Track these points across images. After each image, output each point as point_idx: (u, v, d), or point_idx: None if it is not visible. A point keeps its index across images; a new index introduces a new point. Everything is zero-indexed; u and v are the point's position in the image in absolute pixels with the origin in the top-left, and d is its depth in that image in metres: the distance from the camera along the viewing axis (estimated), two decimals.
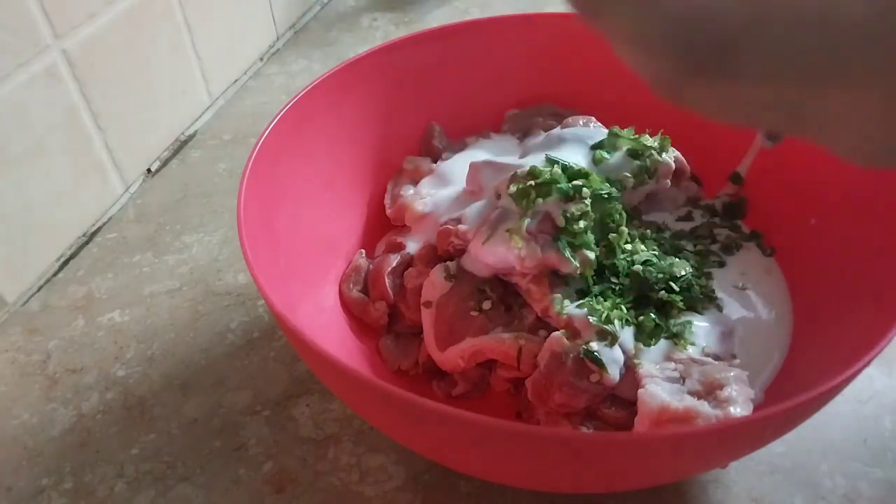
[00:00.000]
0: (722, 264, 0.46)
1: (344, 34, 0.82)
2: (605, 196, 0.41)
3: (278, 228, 0.43)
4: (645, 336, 0.39)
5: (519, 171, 0.42)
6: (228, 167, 0.64)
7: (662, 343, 0.39)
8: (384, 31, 0.82)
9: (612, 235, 0.41)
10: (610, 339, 0.38)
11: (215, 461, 0.42)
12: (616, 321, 0.38)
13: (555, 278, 0.40)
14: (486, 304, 0.42)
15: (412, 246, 0.47)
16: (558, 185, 0.40)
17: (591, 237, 0.40)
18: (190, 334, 0.50)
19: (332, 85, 0.48)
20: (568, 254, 0.39)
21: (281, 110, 0.45)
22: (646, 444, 0.30)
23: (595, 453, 0.30)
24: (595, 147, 0.44)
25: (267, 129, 0.43)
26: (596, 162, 0.44)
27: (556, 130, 0.47)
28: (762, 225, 0.49)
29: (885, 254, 0.39)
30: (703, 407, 0.34)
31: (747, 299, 0.44)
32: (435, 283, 0.43)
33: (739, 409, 0.34)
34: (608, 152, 0.44)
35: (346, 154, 0.50)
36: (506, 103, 0.56)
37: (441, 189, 0.49)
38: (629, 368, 0.38)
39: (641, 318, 0.39)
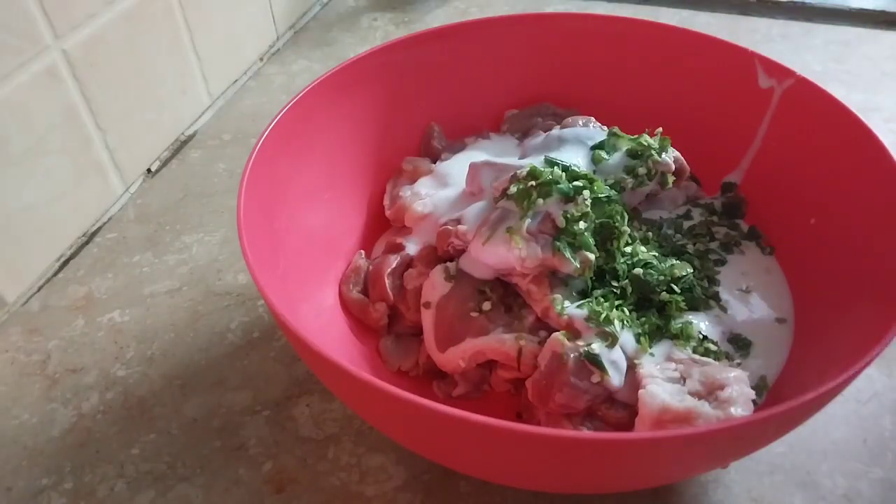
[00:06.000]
0: (722, 262, 0.46)
1: (344, 34, 0.81)
2: (606, 199, 0.41)
3: (278, 228, 0.43)
4: (646, 337, 0.39)
5: (519, 171, 0.42)
6: (228, 167, 0.64)
7: (663, 343, 0.39)
8: (384, 31, 0.82)
9: (611, 243, 0.41)
10: (610, 340, 0.38)
11: (215, 461, 0.42)
12: (616, 322, 0.38)
13: (555, 279, 0.40)
14: (487, 305, 0.42)
15: (412, 247, 0.47)
16: (559, 186, 0.40)
17: (590, 238, 0.40)
18: (190, 334, 0.50)
19: (332, 85, 0.48)
20: (568, 254, 0.39)
21: (281, 110, 0.45)
22: (646, 445, 0.30)
23: (595, 454, 0.30)
24: (595, 147, 0.44)
25: (267, 129, 0.43)
26: (595, 162, 0.44)
27: (556, 131, 0.47)
28: (762, 224, 0.49)
29: (884, 253, 0.39)
30: (704, 407, 0.34)
31: (749, 300, 0.44)
32: (435, 284, 0.43)
33: (740, 410, 0.34)
34: (608, 152, 0.44)
35: (346, 154, 0.50)
36: (505, 103, 0.56)
37: (440, 190, 0.49)
38: (629, 369, 0.38)
39: (642, 319, 0.40)
